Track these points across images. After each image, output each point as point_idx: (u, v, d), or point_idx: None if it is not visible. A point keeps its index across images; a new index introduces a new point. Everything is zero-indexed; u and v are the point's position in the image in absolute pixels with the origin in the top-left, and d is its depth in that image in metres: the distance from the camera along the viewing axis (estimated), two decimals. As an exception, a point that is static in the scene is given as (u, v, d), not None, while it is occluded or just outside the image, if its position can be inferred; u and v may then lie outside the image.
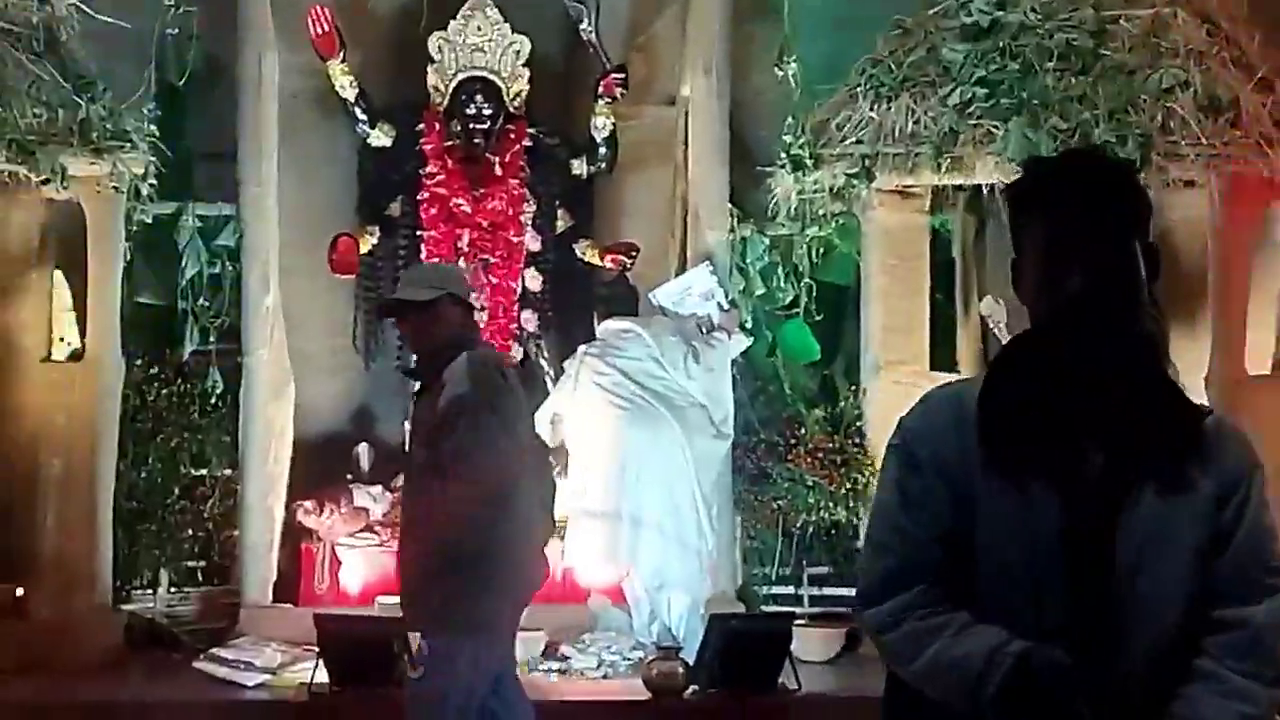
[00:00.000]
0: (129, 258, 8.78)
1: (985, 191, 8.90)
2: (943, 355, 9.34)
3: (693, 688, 7.50)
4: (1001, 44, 8.63)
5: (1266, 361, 8.53)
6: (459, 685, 5.45)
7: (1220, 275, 8.38)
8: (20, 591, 8.19)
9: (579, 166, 9.72)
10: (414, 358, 5.88)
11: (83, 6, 8.60)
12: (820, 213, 9.15)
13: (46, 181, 8.24)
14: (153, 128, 8.63)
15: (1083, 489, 2.60)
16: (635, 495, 8.46)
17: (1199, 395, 8.55)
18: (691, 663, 7.60)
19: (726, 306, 8.99)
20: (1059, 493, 2.60)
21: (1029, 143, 8.30)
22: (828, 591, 9.36)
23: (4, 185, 8.34)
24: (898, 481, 2.74)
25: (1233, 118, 8.23)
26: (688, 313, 8.94)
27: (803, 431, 9.15)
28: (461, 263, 9.25)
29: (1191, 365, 8.68)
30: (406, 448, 6.33)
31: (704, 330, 8.86)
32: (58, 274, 8.80)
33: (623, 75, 9.46)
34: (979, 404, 2.65)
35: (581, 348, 8.86)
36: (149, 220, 8.99)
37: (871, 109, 8.79)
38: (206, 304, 9.20)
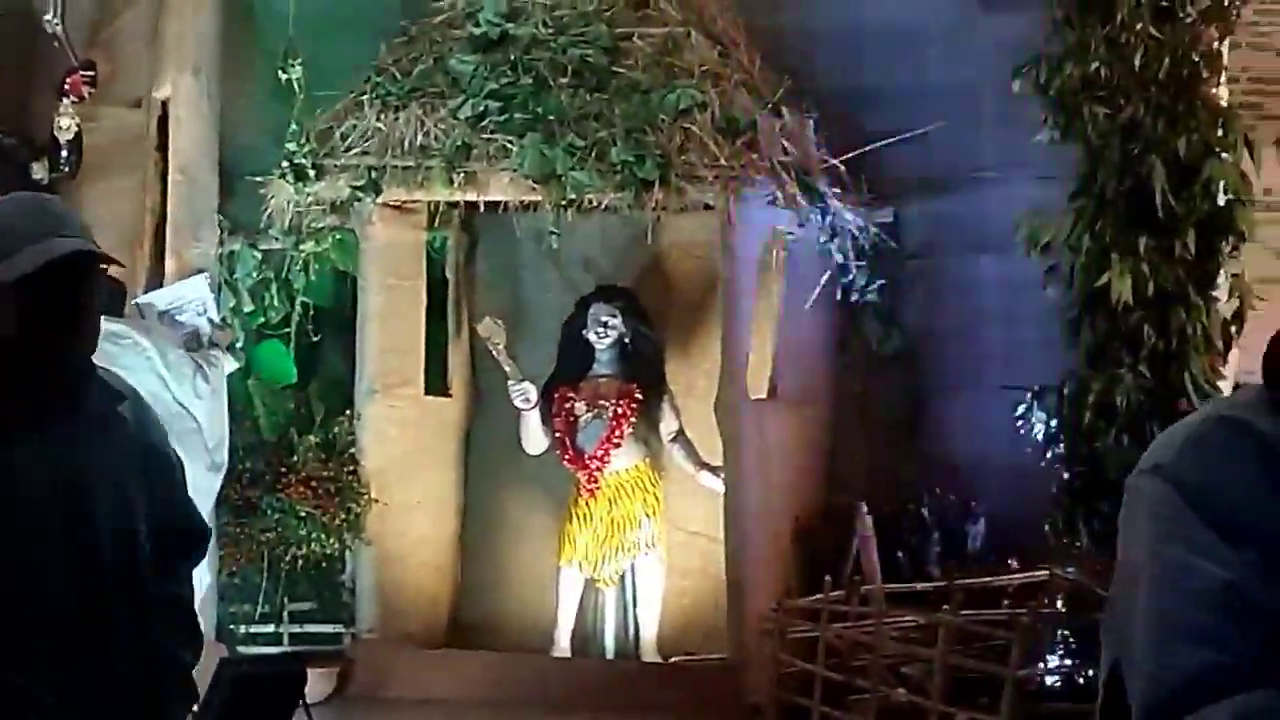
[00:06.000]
0: None
1: (483, 208, 8.58)
2: (434, 379, 9.03)
3: (202, 738, 6.86)
4: (513, 57, 8.38)
5: (763, 386, 8.55)
6: None
7: (730, 300, 8.37)
8: None
9: (39, 170, 8.85)
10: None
11: None
12: (317, 227, 8.64)
13: None
14: None
15: None
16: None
17: (708, 419, 8.56)
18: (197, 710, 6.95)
19: (219, 323, 8.30)
20: None
21: (545, 159, 8.09)
22: (310, 629, 8.90)
23: None
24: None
25: (749, 140, 8.18)
26: (183, 325, 8.17)
27: (294, 459, 8.60)
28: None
29: (704, 390, 8.69)
30: None
31: (196, 346, 8.12)
32: None
33: (92, 73, 8.73)
34: None
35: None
36: None
37: (378, 119, 8.38)
38: None
